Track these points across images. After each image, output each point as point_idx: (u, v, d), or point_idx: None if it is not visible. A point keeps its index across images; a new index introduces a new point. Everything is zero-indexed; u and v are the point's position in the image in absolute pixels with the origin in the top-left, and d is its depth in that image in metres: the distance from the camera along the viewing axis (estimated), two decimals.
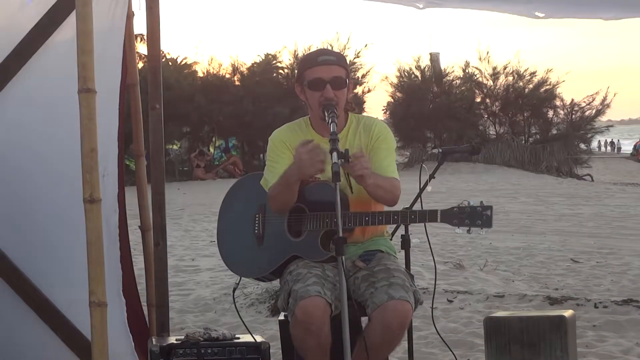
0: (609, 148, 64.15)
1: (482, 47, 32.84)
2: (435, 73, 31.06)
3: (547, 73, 30.56)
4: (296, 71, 3.86)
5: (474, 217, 3.33)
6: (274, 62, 29.01)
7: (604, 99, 29.81)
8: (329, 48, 23.81)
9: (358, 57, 28.66)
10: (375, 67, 42.11)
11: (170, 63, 27.80)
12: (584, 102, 30.29)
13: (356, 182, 3.49)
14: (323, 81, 3.57)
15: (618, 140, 64.54)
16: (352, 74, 3.83)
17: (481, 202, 3.37)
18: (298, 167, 3.45)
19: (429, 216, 3.42)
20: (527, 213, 14.51)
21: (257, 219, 3.70)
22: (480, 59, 30.65)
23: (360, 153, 3.43)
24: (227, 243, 3.81)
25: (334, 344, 3.37)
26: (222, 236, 3.85)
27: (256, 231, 3.69)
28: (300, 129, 3.74)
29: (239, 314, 4.09)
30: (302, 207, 3.60)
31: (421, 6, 5.12)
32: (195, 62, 29.19)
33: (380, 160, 3.63)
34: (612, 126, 34.76)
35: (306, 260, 3.56)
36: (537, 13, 5.19)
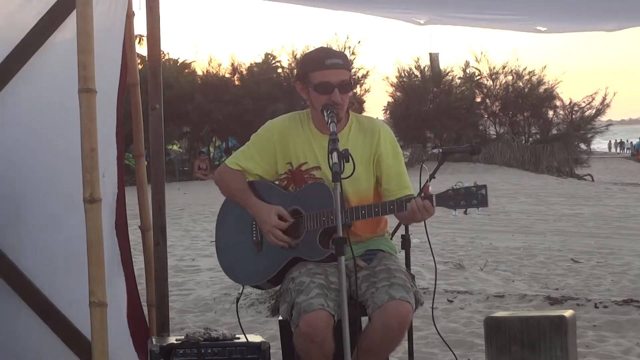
0: (617, 148, 63.99)
1: (476, 48, 32.84)
2: (434, 73, 31.04)
3: (542, 70, 30.58)
4: (297, 69, 3.86)
5: (469, 197, 3.32)
6: (273, 61, 29.02)
7: (604, 98, 29.83)
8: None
9: (354, 54, 28.64)
10: (376, 67, 42.11)
11: (170, 63, 27.81)
12: (584, 102, 30.31)
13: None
14: (331, 85, 3.55)
15: (627, 140, 64.36)
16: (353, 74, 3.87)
17: (475, 182, 3.37)
18: (256, 215, 3.63)
19: None
20: (527, 213, 14.50)
21: (254, 225, 3.69)
22: (476, 60, 30.69)
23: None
24: (226, 251, 3.80)
25: (336, 347, 3.37)
26: (221, 245, 3.84)
27: (254, 238, 3.68)
28: (302, 123, 3.72)
29: (239, 320, 4.08)
30: (298, 209, 3.60)
31: (422, 22, 5.13)
32: (195, 62, 29.22)
33: (395, 174, 3.68)
34: (611, 124, 34.70)
35: (308, 264, 3.54)
36: (538, 27, 5.19)
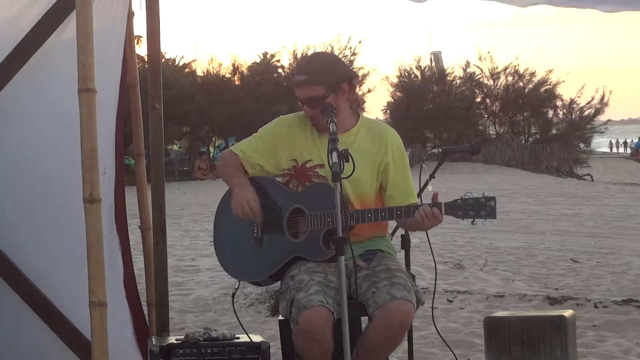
0: (621, 148, 63.92)
1: (482, 47, 33.06)
2: (438, 71, 31.07)
3: (547, 74, 30.63)
4: None
5: (477, 208, 3.34)
6: (273, 61, 29.00)
7: (602, 97, 29.88)
8: (320, 51, 23.79)
9: (355, 54, 28.63)
10: (377, 68, 42.14)
11: (169, 63, 27.77)
12: (583, 101, 30.36)
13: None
14: (300, 100, 3.64)
15: (632, 140, 64.28)
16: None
17: (483, 193, 3.38)
18: (235, 189, 3.64)
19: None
20: (527, 213, 14.52)
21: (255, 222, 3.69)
22: (480, 59, 30.70)
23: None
24: (225, 247, 3.79)
25: (336, 346, 3.37)
26: (219, 241, 3.83)
27: (255, 234, 3.68)
28: (306, 124, 3.74)
29: (237, 317, 4.08)
30: (301, 208, 3.60)
31: None
32: (195, 62, 29.17)
33: (401, 181, 3.69)
34: (608, 120, 34.67)
35: (308, 263, 3.54)
36: None
